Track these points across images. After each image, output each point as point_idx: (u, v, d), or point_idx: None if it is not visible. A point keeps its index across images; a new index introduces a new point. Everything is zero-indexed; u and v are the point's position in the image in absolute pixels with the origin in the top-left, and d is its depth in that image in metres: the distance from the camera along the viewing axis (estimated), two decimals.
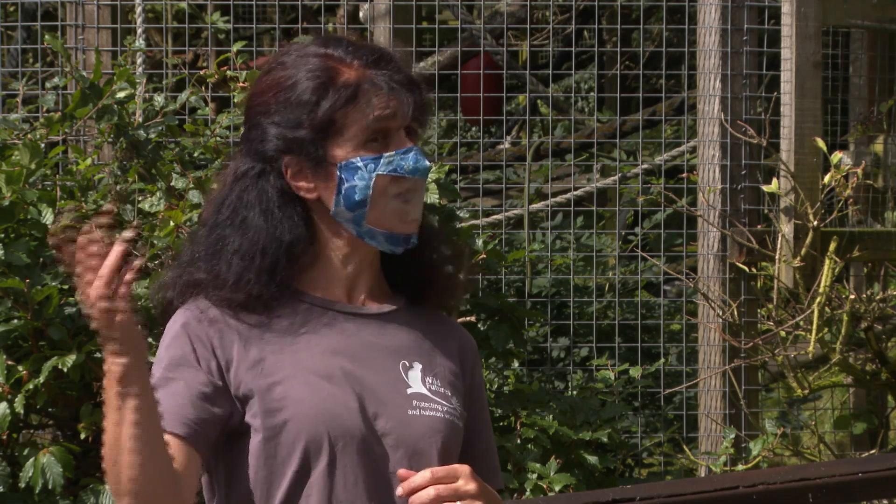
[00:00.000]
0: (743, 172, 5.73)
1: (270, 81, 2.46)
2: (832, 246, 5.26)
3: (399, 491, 2.37)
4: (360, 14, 8.21)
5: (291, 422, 2.36)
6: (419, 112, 2.47)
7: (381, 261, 2.54)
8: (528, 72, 7.25)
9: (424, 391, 2.46)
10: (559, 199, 6.64)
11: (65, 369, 3.94)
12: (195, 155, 4.62)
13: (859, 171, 5.17)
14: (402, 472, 2.37)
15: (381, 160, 2.43)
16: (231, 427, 2.40)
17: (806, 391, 5.32)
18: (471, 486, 2.36)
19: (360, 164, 2.42)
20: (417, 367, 2.48)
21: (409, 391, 2.45)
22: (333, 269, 2.47)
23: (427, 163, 2.44)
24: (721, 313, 5.50)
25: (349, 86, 2.43)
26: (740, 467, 4.98)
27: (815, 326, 5.11)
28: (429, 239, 2.56)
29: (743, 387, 5.68)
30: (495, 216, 6.61)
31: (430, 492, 2.34)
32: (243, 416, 2.39)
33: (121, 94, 4.44)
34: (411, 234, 2.46)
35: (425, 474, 2.35)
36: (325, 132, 2.43)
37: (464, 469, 2.37)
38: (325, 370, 2.40)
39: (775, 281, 5.34)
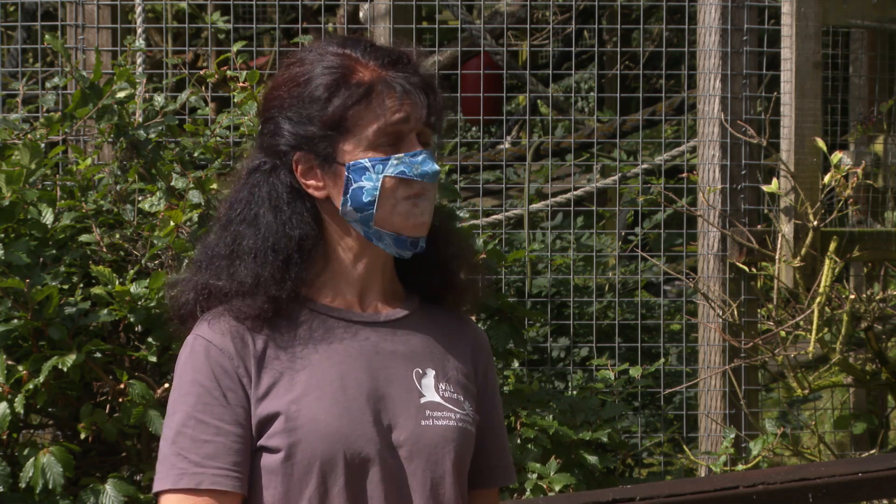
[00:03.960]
0: (743, 172, 5.73)
1: (287, 76, 2.46)
2: (832, 246, 5.26)
3: None
4: (360, 14, 8.21)
5: (306, 442, 2.36)
6: (433, 116, 2.46)
7: (397, 261, 2.53)
8: (528, 72, 7.25)
9: (438, 399, 2.46)
10: (559, 199, 6.64)
11: (65, 369, 3.93)
12: (195, 155, 4.62)
13: (859, 171, 5.17)
14: None
15: (390, 161, 2.41)
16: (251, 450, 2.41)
17: (806, 391, 5.32)
18: None
19: (368, 164, 2.41)
20: (430, 373, 2.48)
21: (423, 400, 2.45)
22: (344, 272, 2.46)
23: (436, 167, 2.42)
24: (721, 313, 5.50)
25: (362, 85, 2.42)
26: (740, 467, 4.98)
27: (815, 326, 5.10)
28: (444, 240, 2.55)
29: (743, 387, 5.68)
30: (495, 216, 6.60)
31: None
32: (258, 438, 2.39)
33: (121, 94, 4.44)
34: (419, 238, 2.45)
35: None
36: (336, 130, 2.42)
37: None
38: (339, 383, 2.40)
39: (775, 281, 5.34)
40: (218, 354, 2.39)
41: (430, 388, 2.46)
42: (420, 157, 2.42)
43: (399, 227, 2.43)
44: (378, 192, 2.41)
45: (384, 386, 2.43)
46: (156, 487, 2.39)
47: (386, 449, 2.39)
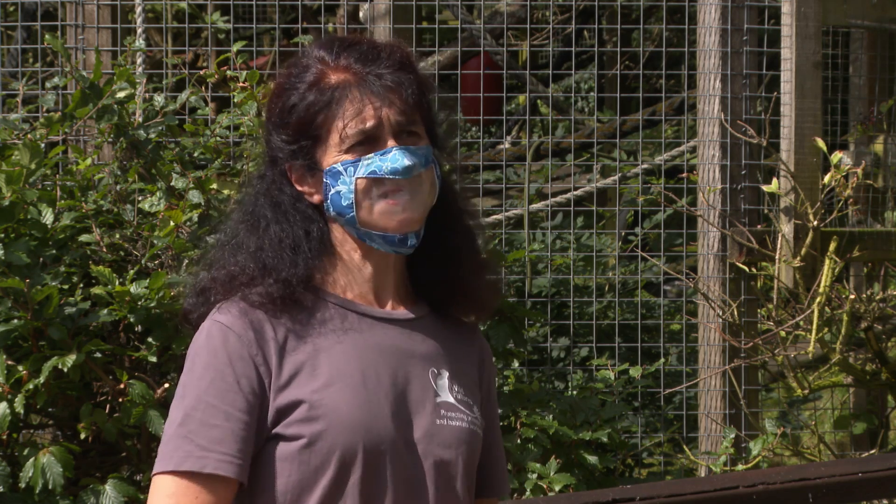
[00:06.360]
0: (743, 172, 5.73)
1: (275, 86, 2.51)
2: (832, 246, 5.26)
3: None
4: (360, 14, 8.21)
5: (328, 431, 2.37)
6: (410, 111, 2.45)
7: (408, 266, 2.54)
8: (528, 72, 7.25)
9: (451, 400, 2.48)
10: (559, 199, 6.64)
11: (65, 369, 3.93)
12: (195, 155, 4.62)
13: (859, 171, 5.17)
14: None
15: (360, 163, 2.42)
16: (261, 437, 2.41)
17: (806, 391, 5.32)
18: None
19: (341, 168, 2.43)
20: (445, 374, 2.49)
21: (438, 399, 2.46)
22: (355, 269, 2.48)
23: (406, 162, 2.41)
24: (721, 313, 5.50)
25: (327, 90, 2.43)
26: (740, 467, 4.98)
27: (815, 326, 5.10)
28: (456, 246, 2.55)
29: (743, 387, 5.68)
30: (495, 216, 6.60)
31: None
32: (274, 426, 2.39)
33: (121, 94, 4.44)
34: (407, 234, 2.45)
35: None
36: (310, 138, 2.44)
37: None
38: (360, 375, 2.41)
39: (775, 281, 5.34)
40: (236, 340, 2.39)
41: (444, 389, 2.48)
42: (390, 154, 2.42)
43: (383, 226, 2.44)
44: (353, 195, 2.42)
45: (402, 382, 2.44)
46: (157, 468, 2.37)
47: (403, 444, 2.41)
